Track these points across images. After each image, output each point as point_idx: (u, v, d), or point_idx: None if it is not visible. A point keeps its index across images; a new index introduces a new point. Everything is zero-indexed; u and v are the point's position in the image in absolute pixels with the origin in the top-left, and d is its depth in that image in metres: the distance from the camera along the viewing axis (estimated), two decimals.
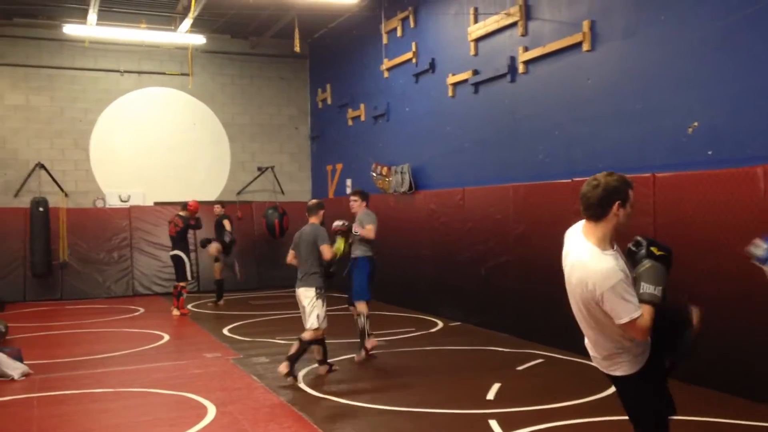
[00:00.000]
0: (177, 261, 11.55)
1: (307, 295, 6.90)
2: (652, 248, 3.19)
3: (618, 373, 3.25)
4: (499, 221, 9.29)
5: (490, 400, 6.09)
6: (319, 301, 6.89)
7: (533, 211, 8.64)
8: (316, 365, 7.24)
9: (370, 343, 7.75)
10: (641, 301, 3.03)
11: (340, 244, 7.67)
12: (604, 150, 7.79)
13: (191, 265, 11.74)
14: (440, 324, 10.12)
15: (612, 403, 5.92)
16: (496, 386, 6.48)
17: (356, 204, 8.14)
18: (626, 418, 5.50)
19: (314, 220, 7.27)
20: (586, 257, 3.08)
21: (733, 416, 5.39)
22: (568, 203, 7.98)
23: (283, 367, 6.73)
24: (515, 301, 9.00)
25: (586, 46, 7.94)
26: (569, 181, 8.02)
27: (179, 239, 11.60)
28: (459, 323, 10.10)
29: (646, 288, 3.07)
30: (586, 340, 3.40)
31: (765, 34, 6.00)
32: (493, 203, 9.45)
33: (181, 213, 11.76)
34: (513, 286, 9.02)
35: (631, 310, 3.00)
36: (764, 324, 5.69)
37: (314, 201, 7.56)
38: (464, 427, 5.39)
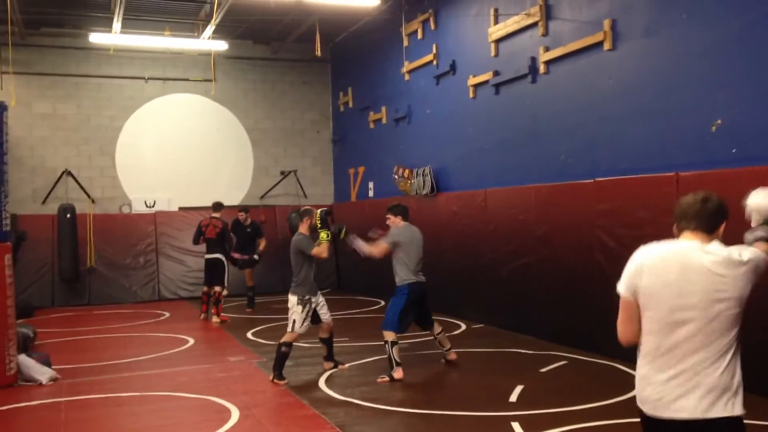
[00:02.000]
0: (217, 265, 11.04)
1: (291, 301, 7.18)
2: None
3: (727, 412, 2.65)
4: (522, 222, 9.25)
5: (512, 402, 6.05)
6: (299, 308, 7.10)
7: (556, 212, 8.58)
8: (335, 368, 7.50)
9: (397, 373, 6.97)
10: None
11: (322, 235, 7.17)
12: (627, 149, 7.71)
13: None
14: (463, 326, 10.09)
15: (634, 406, 5.87)
16: (518, 388, 6.45)
17: (389, 221, 7.46)
18: None
19: (301, 228, 7.29)
20: (719, 249, 2.74)
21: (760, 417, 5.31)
22: (590, 203, 7.93)
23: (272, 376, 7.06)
24: (538, 303, 8.94)
25: (607, 46, 7.87)
26: (591, 181, 7.95)
27: (219, 242, 11.14)
28: (482, 325, 10.06)
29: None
30: (671, 379, 2.73)
31: None
32: (515, 204, 9.40)
33: (215, 215, 11.28)
34: (536, 288, 8.97)
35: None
36: None
37: (304, 208, 7.60)
38: (486, 430, 5.38)
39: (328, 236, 7.19)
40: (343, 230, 7.57)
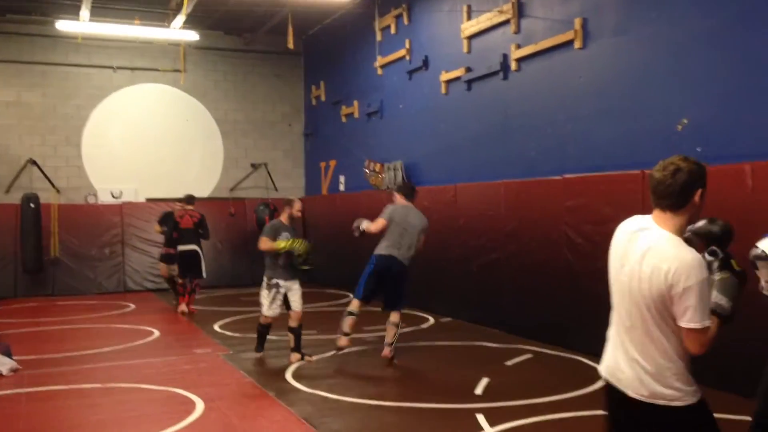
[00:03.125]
0: (195, 256, 10.92)
1: (261, 285, 7.49)
2: (732, 261, 2.88)
3: (673, 402, 2.66)
4: (491, 218, 9.30)
5: (478, 395, 6.10)
6: (265, 292, 7.39)
7: (525, 207, 8.65)
8: (302, 360, 7.49)
9: (340, 341, 7.26)
10: (712, 312, 2.66)
11: (283, 243, 7.30)
12: (595, 147, 7.81)
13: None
14: (431, 320, 10.13)
15: (597, 399, 5.96)
16: (484, 381, 6.49)
17: (393, 198, 7.62)
18: None
19: (282, 216, 7.64)
20: (666, 245, 2.61)
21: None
22: (558, 200, 8.00)
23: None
24: (506, 298, 9.01)
25: (578, 44, 7.96)
26: (559, 178, 8.03)
27: (196, 233, 10.96)
28: (450, 319, 10.11)
29: (720, 299, 2.75)
30: (620, 361, 2.78)
31: (754, 33, 6.03)
32: (485, 200, 9.46)
33: (188, 207, 11.07)
34: (504, 283, 9.04)
35: (706, 316, 2.57)
36: (756, 312, 5.70)
37: (287, 198, 7.93)
38: (451, 421, 5.40)
39: (284, 246, 7.32)
40: (303, 252, 7.41)
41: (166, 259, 11.67)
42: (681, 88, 6.72)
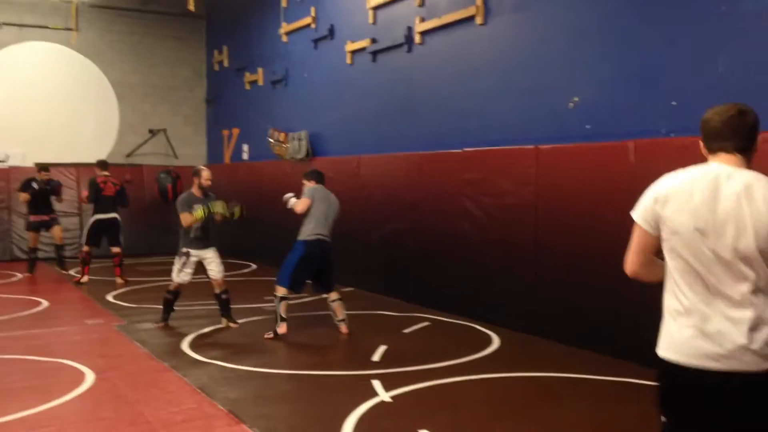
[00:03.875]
0: (116, 225, 10.59)
1: None
2: None
3: None
4: (394, 189, 9.42)
5: (375, 362, 6.23)
6: (176, 258, 7.55)
7: (426, 180, 8.81)
8: (206, 330, 7.47)
9: (280, 328, 7.12)
10: None
11: (200, 212, 7.26)
12: (493, 122, 8.03)
13: None
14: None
15: (489, 362, 6.24)
16: (382, 348, 6.63)
17: (304, 186, 7.49)
18: (502, 375, 5.80)
19: (193, 188, 7.57)
20: (764, 179, 2.32)
21: (603, 373, 5.80)
22: (458, 173, 8.20)
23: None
24: (407, 268, 9.19)
25: (479, 20, 8.11)
26: (459, 151, 8.22)
27: (117, 201, 10.63)
28: (353, 289, 10.19)
29: None
30: (723, 325, 2.30)
31: (642, 20, 6.35)
32: (388, 172, 9.56)
33: (104, 173, 10.62)
34: (405, 253, 9.21)
35: None
36: (632, 285, 6.09)
37: (196, 168, 7.80)
38: (348, 388, 5.50)
39: (204, 214, 7.26)
40: (240, 210, 7.70)
41: (35, 227, 11.26)
42: (573, 68, 7.00)
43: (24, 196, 11.24)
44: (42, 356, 6.36)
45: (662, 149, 5.86)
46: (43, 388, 5.45)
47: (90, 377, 5.68)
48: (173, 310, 7.75)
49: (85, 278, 10.66)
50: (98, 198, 10.54)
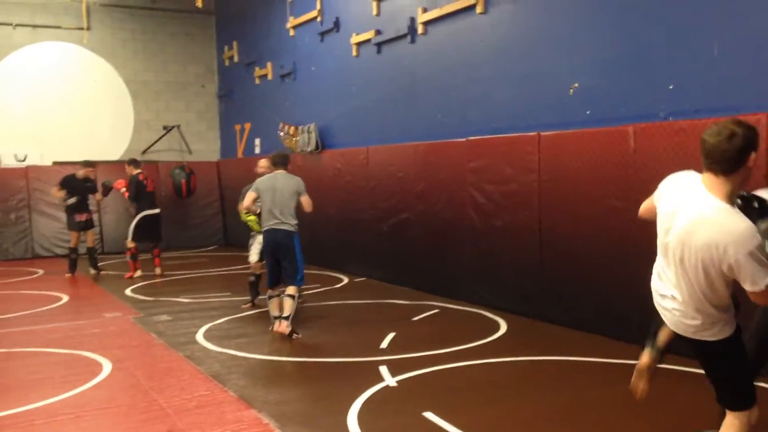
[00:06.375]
0: (159, 220, 11.06)
1: None
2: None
3: (712, 338, 2.94)
4: (401, 179, 9.55)
5: (383, 349, 6.37)
6: (252, 242, 8.19)
7: (432, 169, 8.92)
8: (220, 321, 7.69)
9: (281, 327, 6.92)
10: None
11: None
12: (496, 110, 8.11)
13: None
14: (345, 280, 10.37)
15: (495, 347, 6.36)
16: (390, 336, 6.78)
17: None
18: (507, 359, 5.92)
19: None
20: (718, 215, 2.71)
21: (610, 356, 5.90)
22: (463, 161, 8.31)
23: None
24: (416, 256, 9.32)
25: (479, 9, 8.18)
26: (464, 140, 8.32)
27: (155, 197, 11.03)
28: (363, 279, 10.38)
29: None
30: (668, 301, 3.03)
31: (639, 6, 6.39)
32: (395, 162, 9.69)
33: (138, 171, 10.84)
34: (414, 242, 9.34)
35: (765, 275, 2.68)
36: (635, 268, 6.18)
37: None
38: (355, 374, 5.65)
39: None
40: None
41: (81, 226, 11.28)
42: (572, 54, 7.06)
43: (65, 196, 11.07)
44: (61, 348, 6.59)
45: (661, 133, 5.93)
46: (62, 378, 5.66)
47: (107, 367, 5.89)
48: (258, 292, 8.23)
49: (138, 272, 10.96)
50: (142, 195, 10.80)
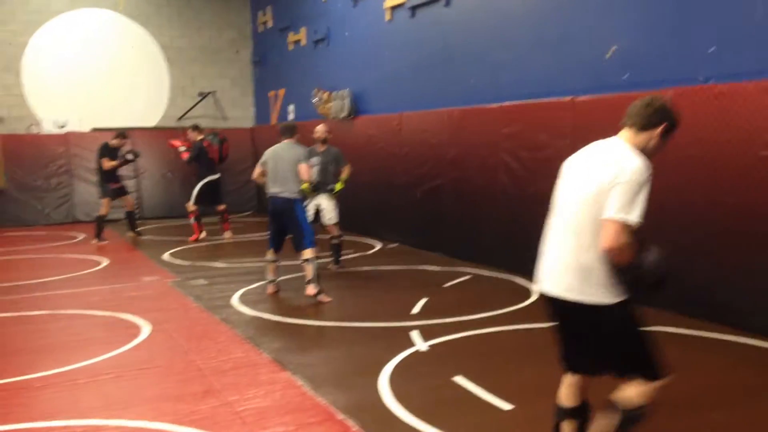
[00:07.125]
0: (221, 184, 11.42)
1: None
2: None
3: (595, 300, 2.96)
4: (434, 145, 9.50)
5: (414, 314, 6.43)
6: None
7: (466, 135, 8.86)
8: (255, 285, 7.81)
9: (268, 289, 7.47)
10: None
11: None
12: (529, 75, 7.99)
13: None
14: (378, 246, 10.43)
15: (526, 313, 6.37)
16: (422, 301, 6.83)
17: None
18: (538, 325, 5.91)
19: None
20: (620, 149, 2.93)
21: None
22: (496, 127, 8.22)
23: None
24: (448, 223, 9.32)
25: None
26: (497, 105, 8.22)
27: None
28: (396, 245, 10.42)
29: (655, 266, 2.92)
30: (550, 264, 3.16)
31: None
32: (429, 128, 9.63)
33: (200, 136, 11.17)
34: (446, 208, 9.33)
35: (632, 214, 2.76)
36: (670, 233, 6.09)
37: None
38: (387, 338, 5.72)
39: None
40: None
41: (115, 193, 11.47)
42: (609, 17, 6.90)
43: (111, 163, 11.20)
44: (101, 311, 6.79)
45: (700, 96, 5.79)
46: (102, 340, 5.85)
47: (146, 329, 6.05)
48: (340, 254, 8.76)
49: (203, 234, 11.31)
50: (204, 160, 11.12)
